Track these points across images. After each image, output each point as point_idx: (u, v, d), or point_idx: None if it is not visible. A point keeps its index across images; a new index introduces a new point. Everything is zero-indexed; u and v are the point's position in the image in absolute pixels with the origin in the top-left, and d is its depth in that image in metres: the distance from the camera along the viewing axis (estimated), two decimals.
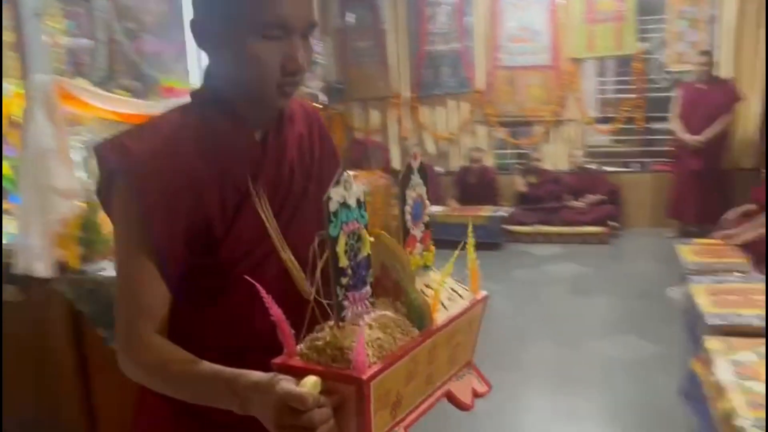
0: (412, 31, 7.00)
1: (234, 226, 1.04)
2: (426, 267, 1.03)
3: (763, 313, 2.66)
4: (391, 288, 0.95)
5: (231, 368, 0.91)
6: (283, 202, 1.10)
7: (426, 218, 1.04)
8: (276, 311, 0.85)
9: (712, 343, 2.32)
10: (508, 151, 7.09)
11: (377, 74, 7.13)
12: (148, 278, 1.01)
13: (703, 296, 2.93)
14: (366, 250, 0.90)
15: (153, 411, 1.11)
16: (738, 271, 3.38)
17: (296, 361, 0.85)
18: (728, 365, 2.08)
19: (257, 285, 0.87)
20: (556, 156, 6.76)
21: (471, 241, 1.03)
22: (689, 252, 3.86)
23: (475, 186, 6.65)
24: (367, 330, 0.85)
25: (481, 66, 6.78)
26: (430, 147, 7.17)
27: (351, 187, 0.87)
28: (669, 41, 6.28)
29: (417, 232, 1.03)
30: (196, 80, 3.92)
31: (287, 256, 0.98)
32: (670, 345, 3.51)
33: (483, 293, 1.05)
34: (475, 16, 6.70)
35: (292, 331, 0.86)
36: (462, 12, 6.77)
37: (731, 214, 4.70)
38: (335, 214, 0.85)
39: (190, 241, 1.02)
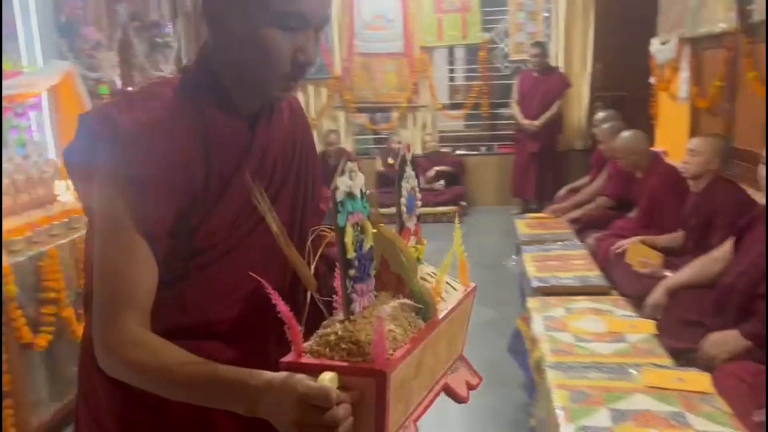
0: None
1: (213, 213, 1.00)
2: (417, 260, 1.01)
3: (579, 274, 3.04)
4: (392, 281, 0.93)
5: (236, 368, 0.86)
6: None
7: (418, 211, 1.05)
8: (283, 308, 0.82)
9: (533, 302, 2.62)
10: (368, 136, 7.30)
11: None
12: (139, 263, 0.93)
13: (531, 263, 3.28)
14: (370, 242, 0.87)
15: (101, 403, 1.05)
16: (561, 240, 3.80)
17: (309, 358, 0.81)
18: (542, 320, 2.37)
19: (263, 282, 0.84)
20: (412, 141, 7.06)
21: (458, 232, 1.04)
22: (524, 225, 4.27)
23: (335, 169, 6.77)
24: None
25: (338, 52, 6.91)
26: None
27: (356, 177, 0.85)
28: (511, 32, 6.78)
29: (411, 224, 1.02)
30: (26, 62, 3.67)
31: (290, 251, 0.92)
32: (507, 308, 3.87)
33: (472, 284, 1.07)
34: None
35: (300, 328, 0.82)
36: None
37: (563, 191, 5.24)
38: (342, 204, 0.82)
39: (174, 223, 0.96)
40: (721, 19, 3.50)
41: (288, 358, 0.82)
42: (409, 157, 1.03)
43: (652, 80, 5.01)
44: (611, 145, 4.10)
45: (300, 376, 0.78)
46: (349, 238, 0.82)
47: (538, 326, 2.32)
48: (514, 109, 6.28)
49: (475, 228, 6.29)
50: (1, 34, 2.93)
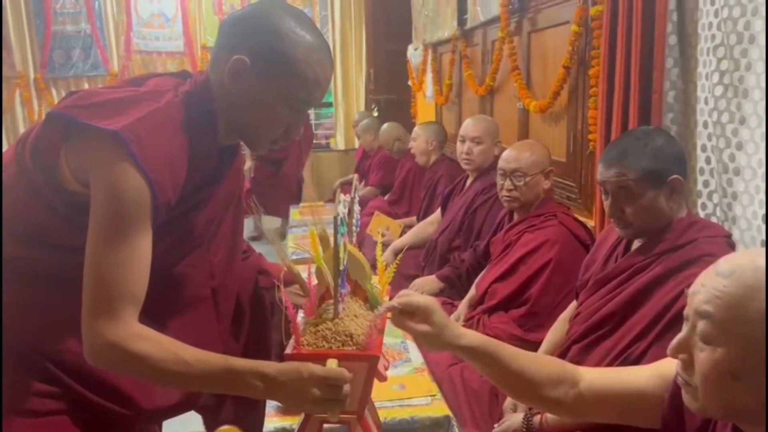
0: (37, 9, 6.52)
1: (180, 221, 1.12)
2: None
3: None
4: (350, 286, 1.17)
5: (243, 359, 1.02)
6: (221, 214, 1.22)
7: (357, 230, 1.30)
8: (291, 311, 1.03)
9: None
10: None
11: None
12: (140, 255, 0.99)
13: (292, 242, 3.59)
14: (346, 257, 1.08)
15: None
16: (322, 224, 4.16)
17: (310, 350, 1.04)
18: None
19: (285, 296, 1.02)
20: None
21: (380, 248, 1.29)
22: (296, 213, 4.63)
23: None
24: (360, 320, 1.08)
25: (115, 49, 6.70)
26: None
27: (345, 207, 1.10)
28: None
29: (354, 239, 1.26)
30: None
31: (288, 262, 1.16)
32: None
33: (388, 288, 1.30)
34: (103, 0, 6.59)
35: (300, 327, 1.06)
36: None
37: (336, 184, 5.67)
38: (338, 227, 1.04)
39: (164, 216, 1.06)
40: (448, 26, 4.09)
41: (292, 350, 1.05)
42: (359, 186, 1.30)
43: (409, 83, 5.59)
44: (369, 140, 4.58)
45: (309, 364, 0.99)
46: (342, 254, 1.06)
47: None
48: None
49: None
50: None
